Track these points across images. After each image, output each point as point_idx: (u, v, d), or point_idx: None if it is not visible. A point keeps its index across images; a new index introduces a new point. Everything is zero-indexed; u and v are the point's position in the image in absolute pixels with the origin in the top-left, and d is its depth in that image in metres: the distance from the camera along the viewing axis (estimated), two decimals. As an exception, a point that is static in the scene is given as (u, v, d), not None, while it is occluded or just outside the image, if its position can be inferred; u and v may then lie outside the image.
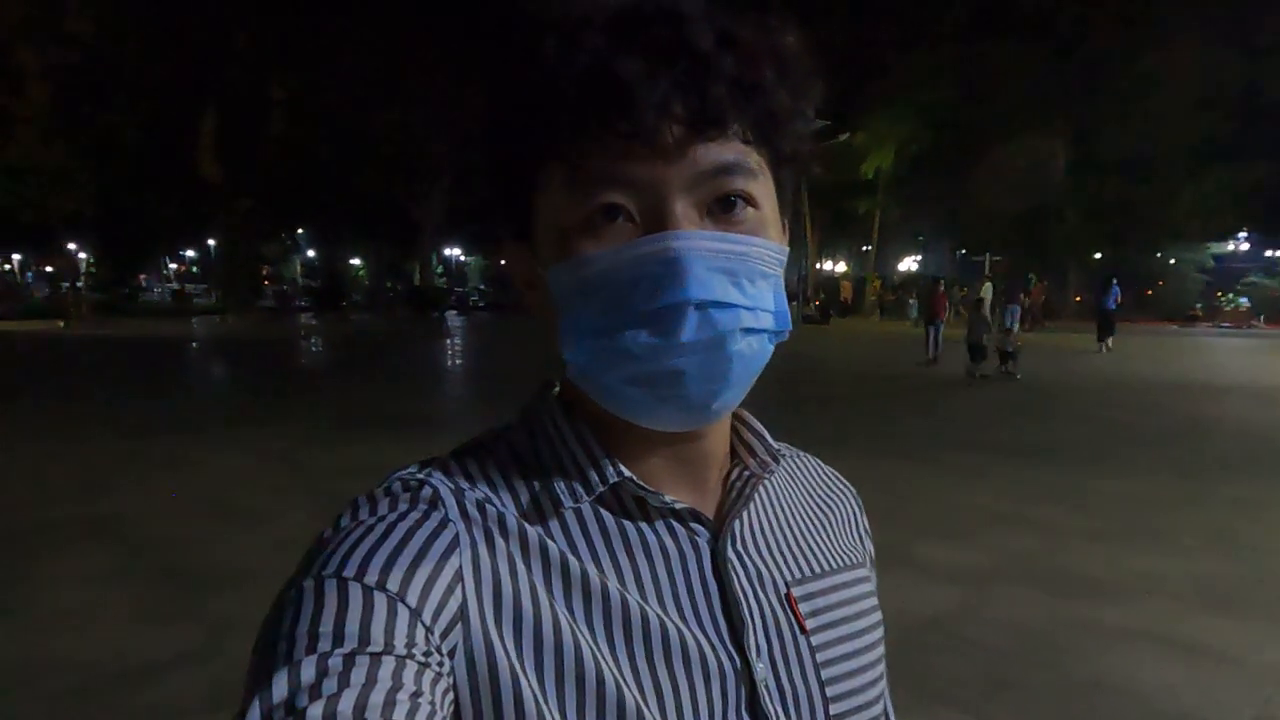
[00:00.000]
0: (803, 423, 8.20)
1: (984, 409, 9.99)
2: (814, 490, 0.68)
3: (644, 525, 0.54)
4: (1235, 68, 27.49)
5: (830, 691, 0.56)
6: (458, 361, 16.82)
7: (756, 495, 0.60)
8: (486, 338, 23.98)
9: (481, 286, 50.20)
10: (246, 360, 16.19)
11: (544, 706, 0.46)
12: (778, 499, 0.63)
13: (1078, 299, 34.23)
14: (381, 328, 25.56)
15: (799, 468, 0.69)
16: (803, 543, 0.62)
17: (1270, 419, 9.23)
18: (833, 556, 0.63)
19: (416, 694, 0.41)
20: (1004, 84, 27.88)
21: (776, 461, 0.60)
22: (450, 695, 0.44)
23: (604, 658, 0.48)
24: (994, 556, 4.40)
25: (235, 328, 26.01)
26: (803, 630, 0.56)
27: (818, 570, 0.60)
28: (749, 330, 0.49)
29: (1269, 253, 43.24)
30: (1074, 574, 4.10)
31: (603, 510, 0.54)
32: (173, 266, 52.33)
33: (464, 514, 0.50)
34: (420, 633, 0.43)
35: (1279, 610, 3.70)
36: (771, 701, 0.53)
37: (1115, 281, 18.41)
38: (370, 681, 0.40)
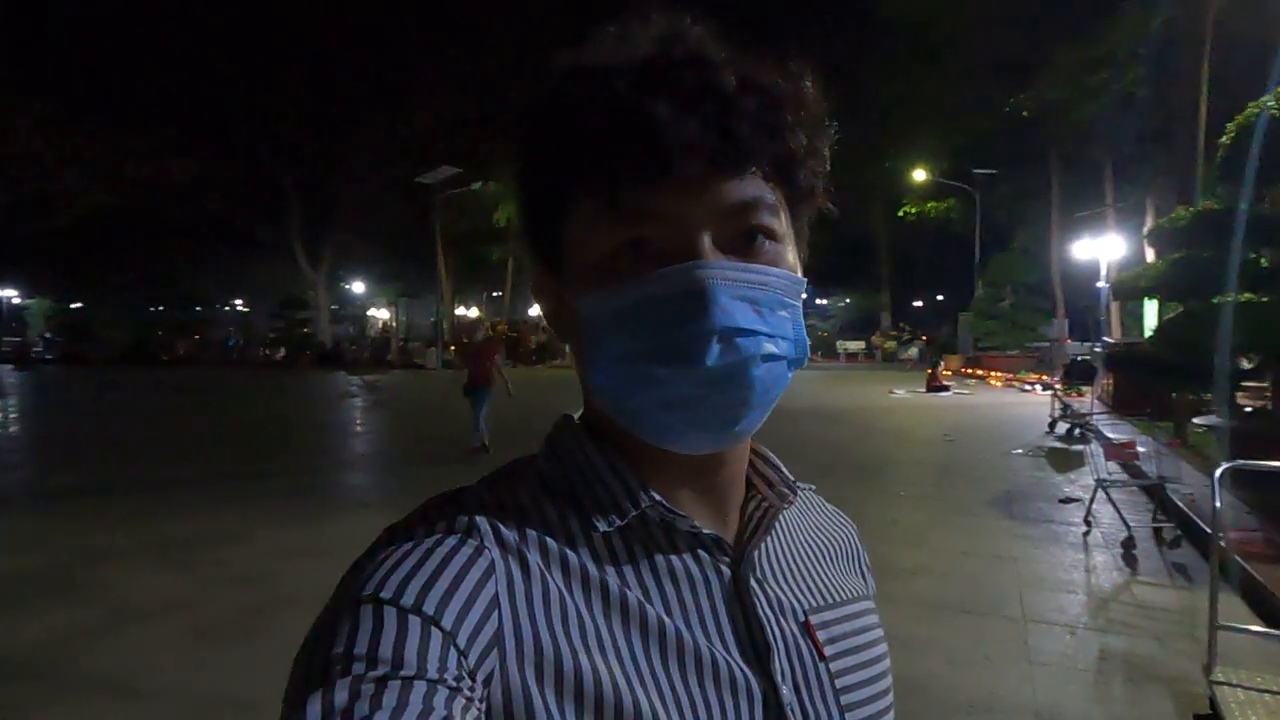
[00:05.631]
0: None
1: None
2: (820, 524, 0.70)
3: (670, 552, 0.54)
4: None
5: (849, 717, 0.57)
6: (14, 429, 13.55)
7: (774, 526, 0.60)
8: (58, 396, 19.78)
9: (48, 335, 41.13)
10: None
11: None
12: (791, 531, 0.65)
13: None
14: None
15: (805, 502, 0.71)
16: (815, 573, 0.63)
17: (840, 434, 11.60)
18: (842, 588, 0.64)
19: (447, 719, 0.40)
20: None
21: (794, 494, 0.61)
22: None
23: (643, 681, 0.48)
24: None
25: None
26: (821, 657, 0.57)
27: (831, 600, 0.62)
28: (770, 357, 0.50)
29: (819, 301, 53.92)
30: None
31: (631, 536, 0.54)
32: None
33: (499, 540, 0.50)
34: (454, 657, 0.43)
35: (884, 589, 4.45)
36: None
37: None
38: (401, 706, 0.40)
